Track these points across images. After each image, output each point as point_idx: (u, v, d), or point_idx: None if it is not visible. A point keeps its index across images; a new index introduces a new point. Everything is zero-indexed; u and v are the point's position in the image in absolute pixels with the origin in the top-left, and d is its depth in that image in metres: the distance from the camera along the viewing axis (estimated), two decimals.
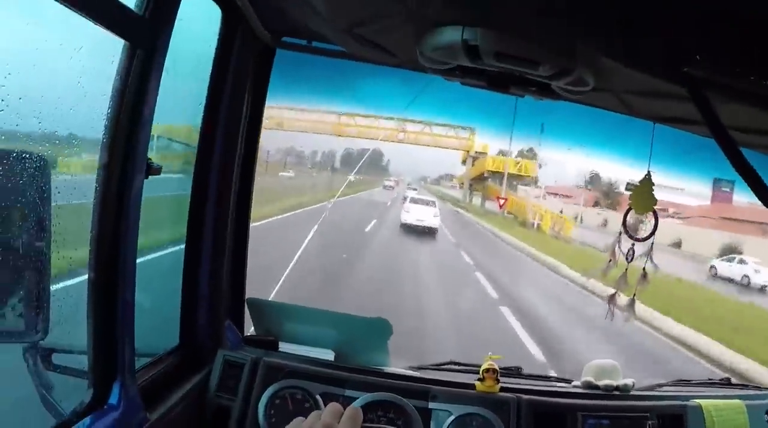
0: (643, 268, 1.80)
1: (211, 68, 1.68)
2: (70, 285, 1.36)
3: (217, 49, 1.67)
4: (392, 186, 33.09)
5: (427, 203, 19.54)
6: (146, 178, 1.29)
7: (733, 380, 2.30)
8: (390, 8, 1.24)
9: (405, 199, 21.27)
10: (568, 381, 2.12)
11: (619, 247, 1.82)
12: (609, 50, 1.22)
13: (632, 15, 1.09)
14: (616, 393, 2.02)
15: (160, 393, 1.52)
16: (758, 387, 2.40)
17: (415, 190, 27.46)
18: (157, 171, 1.33)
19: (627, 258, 1.80)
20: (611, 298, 1.88)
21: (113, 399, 1.26)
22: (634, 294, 1.84)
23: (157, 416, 1.41)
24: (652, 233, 1.79)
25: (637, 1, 1.07)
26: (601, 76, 1.37)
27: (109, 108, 1.18)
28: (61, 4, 0.96)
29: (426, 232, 17.68)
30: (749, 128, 1.41)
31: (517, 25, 1.23)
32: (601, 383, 2.03)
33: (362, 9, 1.31)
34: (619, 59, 1.23)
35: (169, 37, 1.24)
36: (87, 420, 1.20)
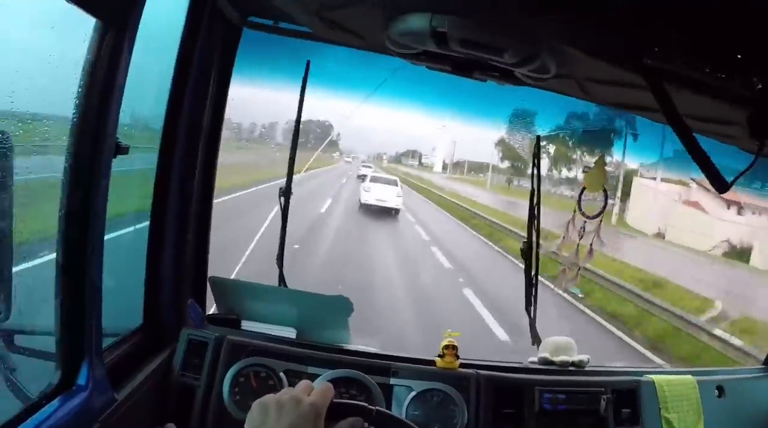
0: (590, 245, 1.88)
1: (178, 46, 1.65)
2: (32, 267, 1.35)
3: (184, 27, 1.64)
4: (350, 162, 31.59)
5: (389, 182, 18.49)
6: (114, 157, 1.27)
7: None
8: None
9: (363, 177, 20.08)
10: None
11: (574, 225, 1.90)
12: (571, 39, 1.26)
13: (594, 6, 1.12)
14: (572, 368, 2.11)
15: (126, 373, 1.52)
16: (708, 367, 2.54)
17: (369, 167, 26.01)
18: (125, 150, 1.31)
19: (579, 235, 1.88)
20: (561, 272, 1.97)
21: (81, 380, 1.25)
22: (579, 269, 1.93)
23: (123, 396, 1.41)
24: (602, 211, 1.87)
25: None
26: (562, 64, 1.42)
27: (79, 87, 1.15)
28: None
29: (387, 213, 16.70)
30: (702, 116, 1.48)
31: (484, 13, 1.26)
32: (557, 359, 2.11)
33: None
34: (581, 48, 1.27)
35: (140, 16, 1.22)
36: (56, 401, 1.19)
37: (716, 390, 2.21)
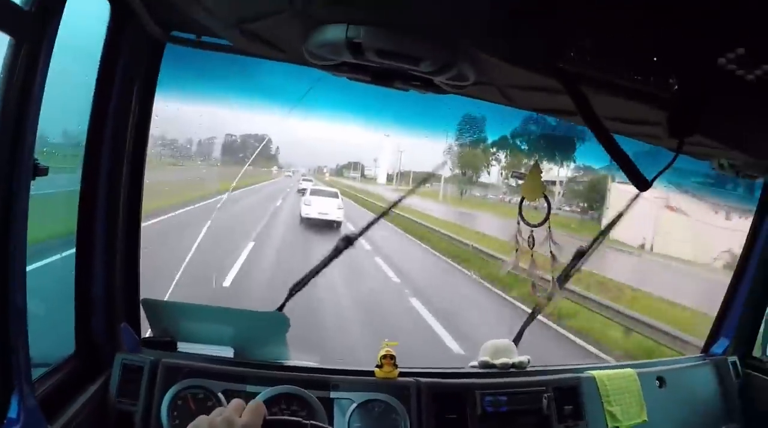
0: (550, 251, 1.93)
1: (99, 62, 1.60)
2: None
3: (105, 43, 1.59)
4: (290, 176, 30.22)
5: (329, 195, 17.93)
6: (33, 179, 1.22)
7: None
8: (277, 5, 1.25)
9: (303, 191, 19.52)
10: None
11: (520, 235, 1.94)
12: (487, 47, 1.29)
13: (507, 12, 1.16)
14: (513, 370, 2.14)
15: (60, 402, 1.46)
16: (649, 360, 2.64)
17: (310, 181, 25.02)
18: (44, 171, 1.26)
19: (529, 245, 1.92)
20: (532, 287, 2.00)
21: (12, 413, 1.19)
22: (553, 277, 1.97)
23: (58, 427, 1.35)
24: (547, 217, 1.92)
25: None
26: (481, 71, 1.45)
27: None
28: None
29: (328, 226, 16.02)
30: (623, 118, 1.56)
31: (399, 23, 1.29)
32: (498, 361, 2.14)
33: (249, 5, 1.32)
34: (497, 55, 1.31)
35: (56, 32, 1.18)
36: None
37: (657, 381, 2.31)
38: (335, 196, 17.78)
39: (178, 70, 1.92)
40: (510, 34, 1.21)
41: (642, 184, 1.24)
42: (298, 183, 25.45)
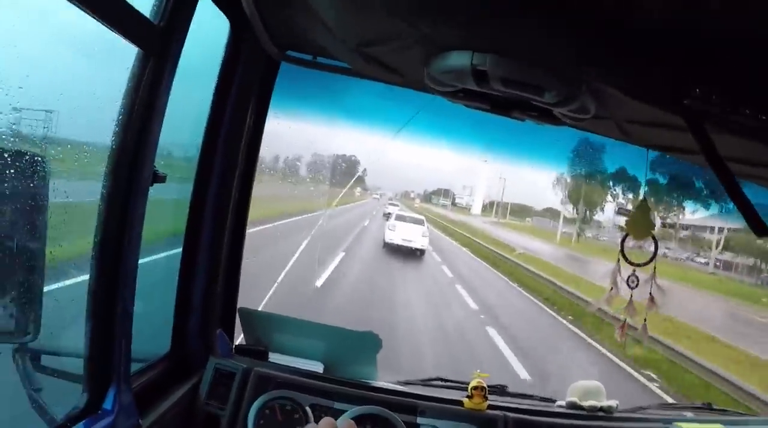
0: (650, 293, 1.82)
1: (216, 78, 1.69)
2: (63, 287, 1.36)
3: (223, 59, 1.68)
4: (377, 198, 29.90)
5: (415, 221, 17.69)
6: (151, 185, 1.30)
7: (714, 406, 2.34)
8: (402, 30, 1.25)
9: (388, 215, 19.22)
10: (552, 401, 2.14)
11: (620, 275, 1.84)
12: (612, 80, 1.24)
13: (635, 45, 1.11)
14: (601, 414, 2.04)
15: (152, 399, 1.52)
16: (738, 413, 2.45)
17: (396, 205, 24.85)
18: (162, 179, 1.34)
19: (629, 285, 1.82)
20: (622, 326, 1.91)
21: (108, 404, 1.25)
22: (645, 319, 1.87)
23: (148, 422, 1.40)
24: (653, 258, 1.82)
25: (640, 32, 1.10)
26: (602, 104, 1.40)
27: (119, 115, 1.18)
28: (79, 9, 0.96)
29: (412, 253, 15.87)
30: (741, 159, 1.45)
31: (526, 52, 1.26)
32: (586, 404, 2.05)
33: (374, 29, 1.32)
34: (621, 89, 1.26)
35: (182, 46, 1.25)
36: (81, 425, 1.19)
37: None
38: (421, 222, 17.48)
39: (285, 88, 1.98)
40: (634, 67, 1.16)
41: (762, 230, 1.13)
42: (384, 207, 25.01)
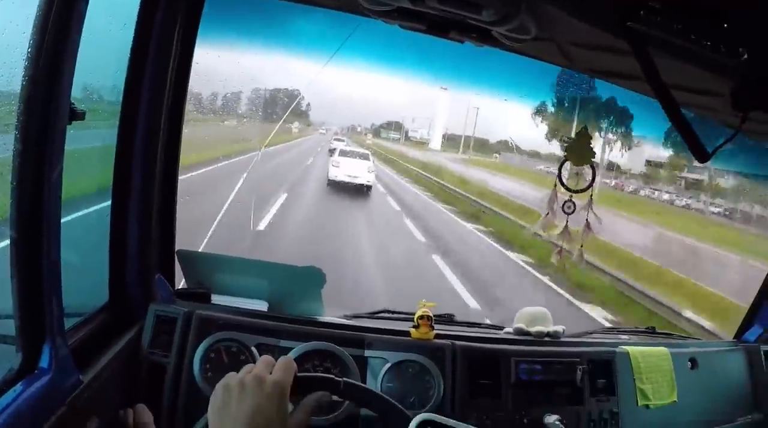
0: (586, 220, 1.87)
1: (138, 7, 1.55)
2: None
3: None
4: (323, 133, 27.67)
5: (360, 156, 17.15)
6: (69, 123, 1.19)
7: (658, 330, 2.47)
8: None
9: (333, 151, 18.46)
10: (500, 328, 2.21)
11: (557, 200, 1.88)
12: None
13: None
14: (548, 339, 2.12)
15: (92, 353, 1.46)
16: (681, 336, 2.62)
17: (342, 141, 23.34)
18: (81, 115, 1.22)
19: (565, 211, 1.86)
20: (558, 251, 1.95)
21: (44, 363, 1.18)
22: (581, 245, 1.92)
23: (90, 377, 1.35)
24: (590, 185, 1.85)
25: None
26: (543, 25, 1.38)
27: (28, 48, 1.06)
28: None
29: (358, 191, 15.39)
30: (683, 86, 1.46)
31: None
32: (533, 329, 2.12)
33: None
34: (563, 7, 1.24)
35: None
36: (18, 386, 1.12)
37: (689, 362, 2.27)
38: (366, 157, 17.05)
39: (215, 17, 1.85)
40: None
41: (702, 155, 1.20)
42: (329, 142, 23.76)
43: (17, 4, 1.11)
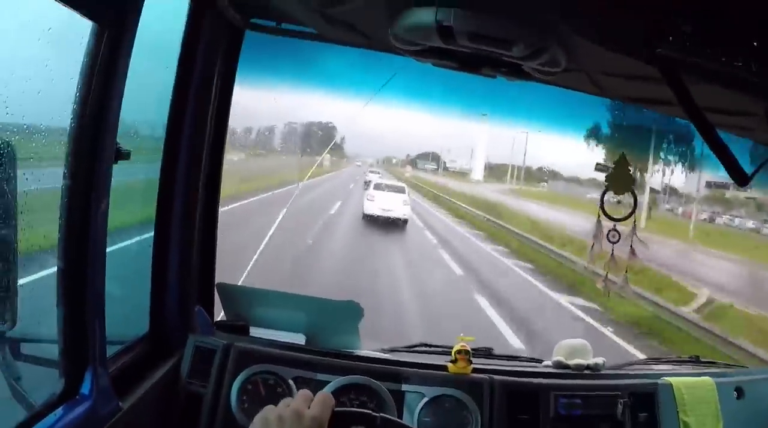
0: (630, 246, 1.85)
1: (179, 51, 1.64)
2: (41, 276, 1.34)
3: (185, 30, 1.62)
4: (359, 165, 26.75)
5: (395, 189, 16.39)
6: (115, 163, 1.26)
7: (702, 358, 2.38)
8: None
9: (367, 184, 17.90)
10: (539, 361, 2.16)
11: (601, 231, 1.86)
12: (582, 30, 1.23)
13: None
14: (587, 372, 2.06)
15: (132, 381, 1.50)
16: (727, 365, 2.48)
17: (377, 173, 22.39)
18: (127, 155, 1.30)
19: (610, 240, 1.84)
20: (605, 279, 1.93)
21: (85, 389, 1.24)
22: (626, 271, 1.89)
23: (129, 404, 1.39)
24: (632, 212, 1.83)
25: None
26: (573, 57, 1.39)
27: (76, 92, 1.14)
28: None
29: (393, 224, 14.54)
30: (717, 107, 1.45)
31: (491, 5, 1.24)
32: (572, 362, 2.07)
33: None
34: (591, 39, 1.25)
35: (138, 17, 1.20)
36: (59, 410, 1.18)
37: (735, 392, 2.16)
38: (401, 190, 16.46)
39: (252, 58, 1.93)
40: (605, 17, 1.14)
41: (741, 178, 1.17)
42: (364, 175, 22.82)
43: (66, 50, 1.19)
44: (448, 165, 26.24)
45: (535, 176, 22.31)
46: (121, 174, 1.32)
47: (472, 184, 22.96)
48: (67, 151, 1.16)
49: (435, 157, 26.82)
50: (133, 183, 1.80)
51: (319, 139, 17.25)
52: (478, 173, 23.47)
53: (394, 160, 28.43)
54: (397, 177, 22.73)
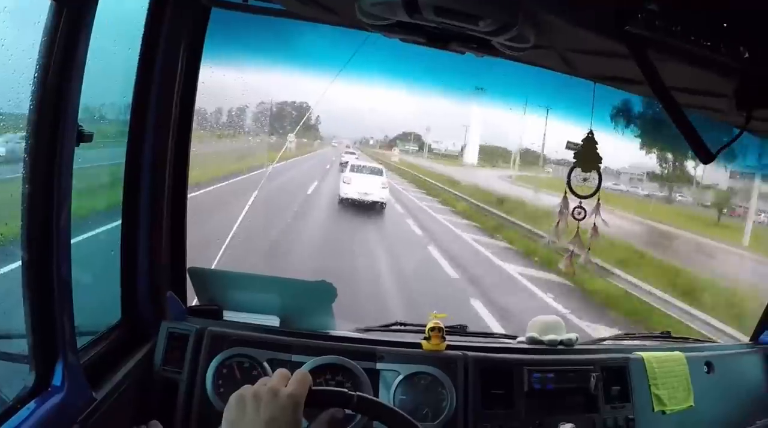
0: (593, 223, 1.87)
1: (143, 29, 1.58)
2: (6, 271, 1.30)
3: (149, 7, 1.57)
4: (336, 146, 25.60)
5: (373, 171, 16.03)
6: (77, 145, 1.21)
7: (673, 334, 2.44)
8: None
9: (343, 165, 17.32)
10: (513, 338, 2.19)
11: (567, 208, 1.88)
12: (551, 6, 1.22)
13: None
14: (561, 347, 2.10)
15: (105, 370, 1.48)
16: (697, 340, 2.58)
17: (354, 154, 21.85)
18: (89, 137, 1.25)
19: (575, 217, 1.87)
20: (569, 256, 1.96)
21: (57, 381, 1.20)
22: (589, 248, 1.92)
23: (103, 394, 1.36)
24: (597, 190, 1.86)
25: None
26: (542, 33, 1.38)
27: (35, 73, 1.09)
28: None
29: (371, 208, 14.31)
30: (686, 88, 1.46)
31: None
32: (546, 338, 2.11)
33: None
34: (560, 15, 1.24)
35: None
36: (32, 404, 1.15)
37: (705, 366, 2.24)
38: (379, 172, 15.97)
39: (220, 36, 1.88)
40: None
41: (706, 156, 1.20)
42: (340, 156, 21.91)
43: (24, 29, 1.13)
44: (433, 146, 24.57)
45: (532, 160, 20.15)
46: (86, 159, 1.28)
47: (467, 168, 20.59)
48: (26, 133, 1.12)
49: (416, 138, 25.14)
50: (100, 168, 1.74)
51: (293, 119, 16.66)
52: (472, 156, 20.97)
53: (371, 141, 27.28)
54: (384, 162, 20.80)
